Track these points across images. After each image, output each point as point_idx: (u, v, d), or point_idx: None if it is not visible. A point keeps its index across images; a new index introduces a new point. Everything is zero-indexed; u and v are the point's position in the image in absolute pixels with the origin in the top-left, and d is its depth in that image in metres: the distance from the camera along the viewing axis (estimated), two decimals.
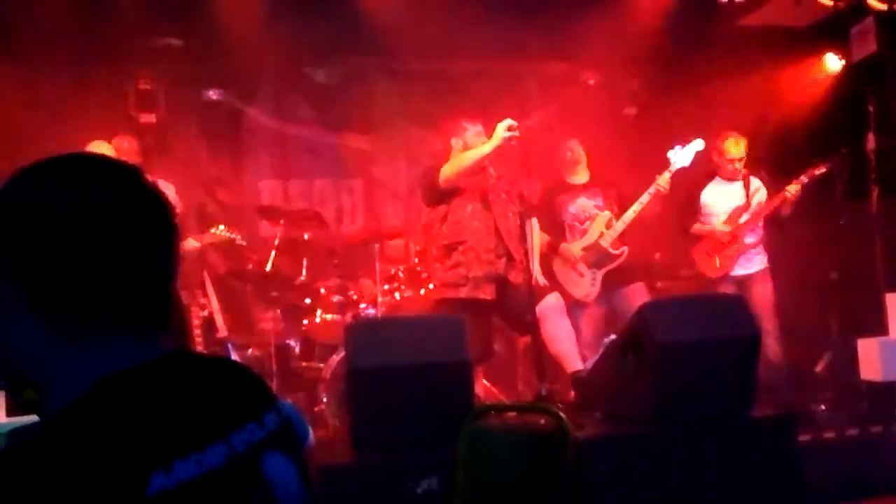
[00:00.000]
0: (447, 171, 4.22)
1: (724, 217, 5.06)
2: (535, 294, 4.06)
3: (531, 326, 3.98)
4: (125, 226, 0.93)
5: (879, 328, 4.68)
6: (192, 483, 0.86)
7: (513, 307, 4.17)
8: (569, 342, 4.17)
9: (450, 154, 4.40)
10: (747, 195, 5.03)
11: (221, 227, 4.91)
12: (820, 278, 5.36)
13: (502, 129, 3.99)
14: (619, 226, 4.85)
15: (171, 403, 0.91)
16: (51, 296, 0.91)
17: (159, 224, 0.97)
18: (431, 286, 4.83)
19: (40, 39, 5.09)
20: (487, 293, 4.17)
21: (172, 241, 0.99)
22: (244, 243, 4.96)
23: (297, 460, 1.02)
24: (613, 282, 4.89)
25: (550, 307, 4.17)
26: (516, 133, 3.97)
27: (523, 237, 4.06)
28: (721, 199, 5.09)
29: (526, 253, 4.01)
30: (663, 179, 4.76)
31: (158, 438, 0.87)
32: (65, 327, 0.92)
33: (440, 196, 4.29)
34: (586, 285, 4.85)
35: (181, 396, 0.93)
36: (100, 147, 4.45)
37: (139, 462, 0.83)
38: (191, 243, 4.75)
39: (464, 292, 4.16)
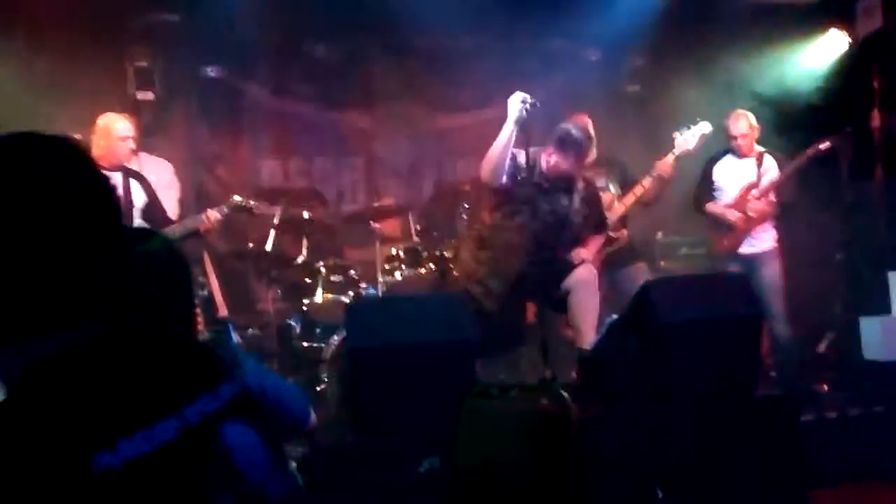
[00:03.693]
0: (484, 171, 4.06)
1: (733, 194, 5.03)
2: (563, 271, 4.08)
3: (557, 303, 4.02)
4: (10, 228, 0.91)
5: (883, 308, 4.66)
6: (142, 459, 0.88)
7: (540, 286, 4.15)
8: (590, 318, 4.10)
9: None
10: (758, 173, 5.00)
11: (236, 196, 4.83)
12: (824, 258, 5.33)
13: (516, 102, 3.93)
14: (620, 208, 4.81)
15: (110, 384, 0.92)
16: None
17: (48, 217, 0.93)
18: (432, 266, 4.81)
19: (36, 17, 5.03)
20: (491, 306, 4.13)
21: (69, 232, 0.95)
22: (253, 204, 4.85)
23: (261, 428, 1.03)
24: (615, 262, 4.86)
25: (582, 279, 4.10)
26: (528, 105, 3.90)
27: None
28: (731, 176, 5.08)
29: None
30: (665, 163, 4.71)
31: (98, 419, 0.88)
32: None
33: (497, 195, 4.17)
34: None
35: (124, 375, 0.94)
36: (111, 119, 4.39)
37: (80, 444, 0.85)
38: (213, 215, 4.64)
39: (474, 289, 4.15)
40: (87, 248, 0.96)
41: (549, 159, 4.10)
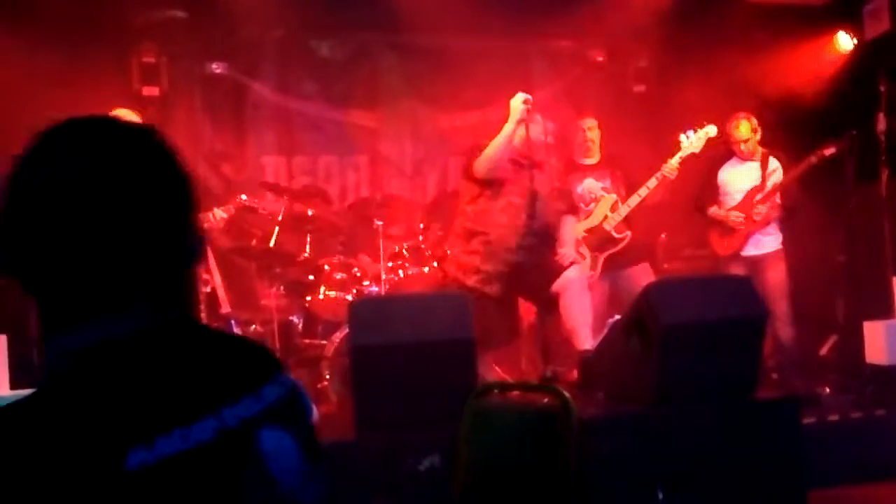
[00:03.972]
0: (481, 166, 4.10)
1: (739, 197, 5.02)
2: (554, 271, 4.08)
3: (547, 304, 4.01)
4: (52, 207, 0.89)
5: (886, 311, 4.65)
6: (177, 457, 0.85)
7: (532, 282, 4.16)
8: (583, 318, 4.12)
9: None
10: (763, 176, 4.98)
11: (243, 196, 4.85)
12: (827, 260, 5.32)
13: (518, 103, 3.94)
14: (624, 210, 4.81)
15: (152, 377, 0.90)
16: (17, 276, 0.90)
17: (100, 205, 0.91)
18: (436, 264, 4.81)
19: (42, 11, 5.04)
20: (493, 290, 4.13)
21: (120, 221, 0.92)
22: (256, 205, 4.87)
23: (298, 434, 0.98)
24: (618, 263, 4.86)
25: (570, 280, 4.12)
26: (529, 105, 3.95)
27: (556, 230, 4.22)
28: (736, 180, 5.07)
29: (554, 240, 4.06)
30: (670, 166, 4.71)
31: (137, 414, 0.85)
32: (44, 304, 0.91)
33: (478, 184, 4.20)
34: (585, 268, 4.81)
35: (166, 370, 0.91)
36: (118, 115, 4.40)
37: (114, 437, 0.83)
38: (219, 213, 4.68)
39: (472, 280, 4.14)
40: (148, 237, 0.94)
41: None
